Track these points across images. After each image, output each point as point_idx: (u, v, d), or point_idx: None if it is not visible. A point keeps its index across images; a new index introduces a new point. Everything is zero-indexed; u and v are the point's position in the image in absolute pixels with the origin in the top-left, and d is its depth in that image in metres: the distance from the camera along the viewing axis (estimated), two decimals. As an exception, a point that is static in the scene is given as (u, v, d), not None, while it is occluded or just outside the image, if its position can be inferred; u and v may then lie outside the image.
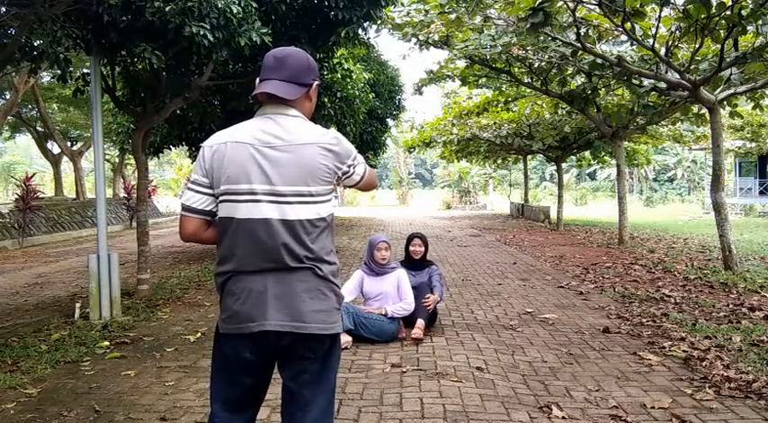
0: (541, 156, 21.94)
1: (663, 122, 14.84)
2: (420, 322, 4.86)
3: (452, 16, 8.80)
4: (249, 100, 8.35)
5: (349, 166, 1.98)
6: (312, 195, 1.87)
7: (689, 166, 46.86)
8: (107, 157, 25.36)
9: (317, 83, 2.00)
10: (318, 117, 9.35)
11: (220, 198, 1.90)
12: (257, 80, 1.96)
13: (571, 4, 7.73)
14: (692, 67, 8.80)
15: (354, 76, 10.25)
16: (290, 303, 1.86)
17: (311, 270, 1.88)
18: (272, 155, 1.86)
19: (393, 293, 4.93)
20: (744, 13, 6.84)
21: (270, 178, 1.85)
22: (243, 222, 1.86)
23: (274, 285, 1.86)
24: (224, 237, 1.91)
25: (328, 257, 1.93)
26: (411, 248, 5.45)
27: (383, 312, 4.81)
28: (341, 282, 4.18)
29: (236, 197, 1.86)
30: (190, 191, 1.94)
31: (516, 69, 11.89)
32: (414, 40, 10.03)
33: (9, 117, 18.73)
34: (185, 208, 1.95)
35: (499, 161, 26.34)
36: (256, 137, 1.88)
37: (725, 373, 3.84)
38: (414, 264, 5.39)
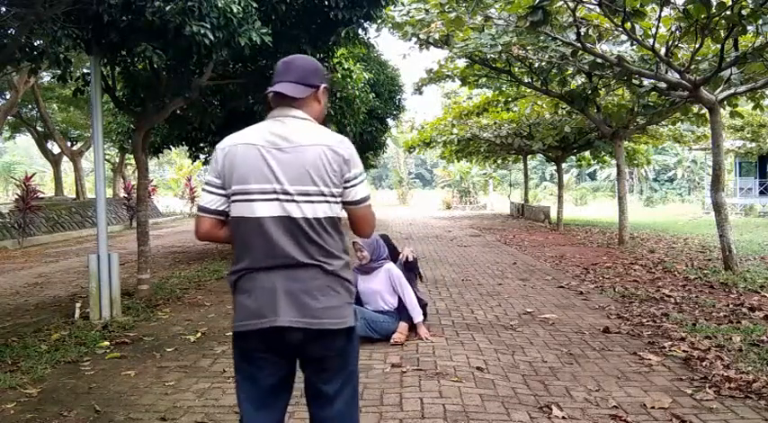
0: (541, 156, 21.92)
1: (663, 122, 14.83)
2: (403, 325, 4.79)
3: (452, 15, 8.79)
4: (249, 100, 8.41)
5: (354, 175, 1.98)
6: (321, 194, 1.91)
7: (689, 166, 46.81)
8: (107, 157, 25.34)
9: (324, 86, 2.04)
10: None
11: (232, 198, 1.94)
12: (269, 88, 2.02)
13: (571, 4, 7.73)
14: (692, 67, 8.80)
15: (354, 76, 10.23)
16: (301, 300, 1.88)
17: (320, 267, 1.91)
18: (279, 156, 1.91)
19: (386, 290, 4.86)
20: (744, 13, 6.83)
21: (278, 178, 1.89)
22: (253, 221, 1.90)
23: (285, 282, 1.88)
24: (237, 236, 1.96)
25: (338, 254, 1.95)
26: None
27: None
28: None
29: (246, 197, 1.91)
30: (204, 192, 2.01)
31: (516, 69, 11.89)
32: (414, 39, 10.02)
33: (9, 117, 18.73)
34: (200, 208, 2.02)
35: (499, 161, 26.32)
36: (266, 138, 1.94)
37: (725, 373, 3.84)
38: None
